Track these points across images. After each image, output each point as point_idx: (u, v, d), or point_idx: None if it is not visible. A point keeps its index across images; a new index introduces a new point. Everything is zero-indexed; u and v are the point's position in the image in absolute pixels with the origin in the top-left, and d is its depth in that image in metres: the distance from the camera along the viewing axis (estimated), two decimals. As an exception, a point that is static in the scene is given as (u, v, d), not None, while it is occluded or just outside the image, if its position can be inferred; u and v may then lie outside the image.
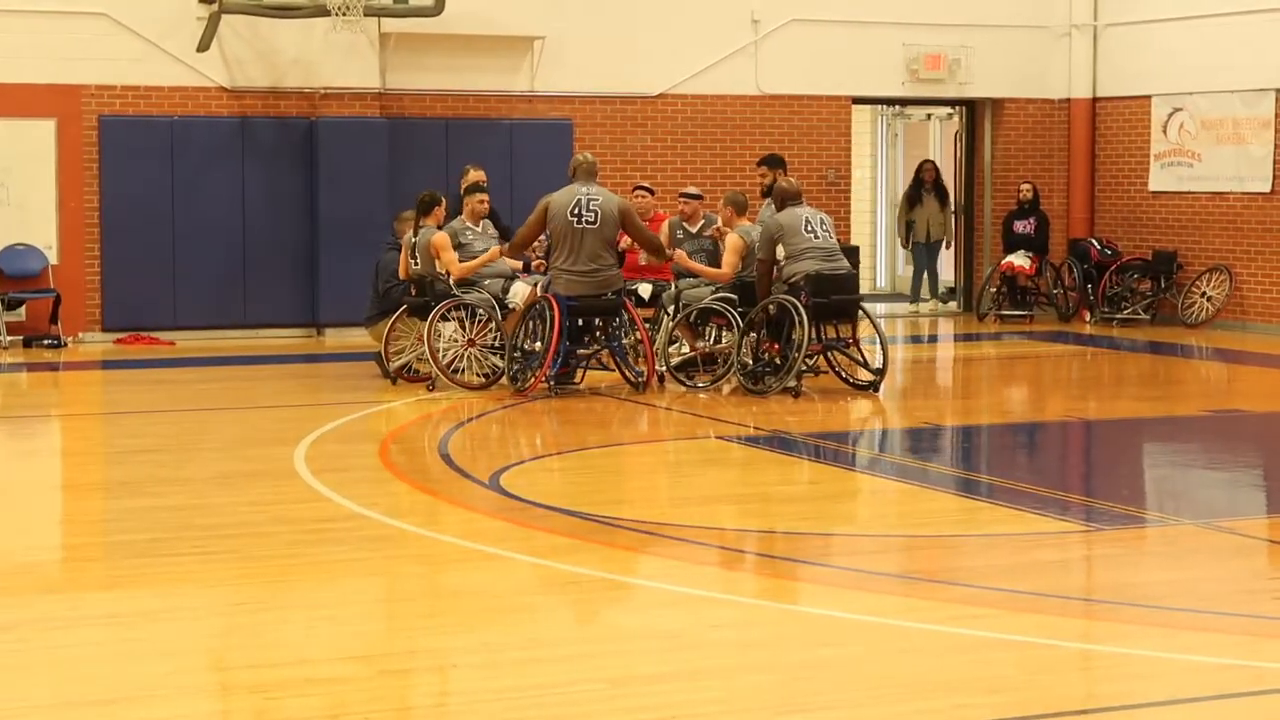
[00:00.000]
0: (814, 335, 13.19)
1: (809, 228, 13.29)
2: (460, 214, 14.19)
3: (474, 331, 13.54)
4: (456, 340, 13.57)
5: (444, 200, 14.14)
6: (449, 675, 6.23)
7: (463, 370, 13.57)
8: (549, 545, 8.30)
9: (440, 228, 13.86)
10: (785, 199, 13.54)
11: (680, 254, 14.11)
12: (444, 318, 13.52)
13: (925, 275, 21.84)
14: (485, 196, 14.28)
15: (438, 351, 13.45)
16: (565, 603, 7.38)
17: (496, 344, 13.57)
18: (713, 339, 14.17)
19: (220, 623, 6.93)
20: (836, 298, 13.30)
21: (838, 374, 13.71)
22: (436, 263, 13.69)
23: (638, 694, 5.89)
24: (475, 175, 15.08)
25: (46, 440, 12.54)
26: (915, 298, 21.81)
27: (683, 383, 13.79)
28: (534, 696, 5.86)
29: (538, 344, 13.30)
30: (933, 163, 21.94)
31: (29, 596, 7.36)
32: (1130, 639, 6.65)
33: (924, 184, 21.55)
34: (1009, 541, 8.51)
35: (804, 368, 13.23)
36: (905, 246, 22.07)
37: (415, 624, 6.94)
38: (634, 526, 8.76)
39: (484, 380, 13.55)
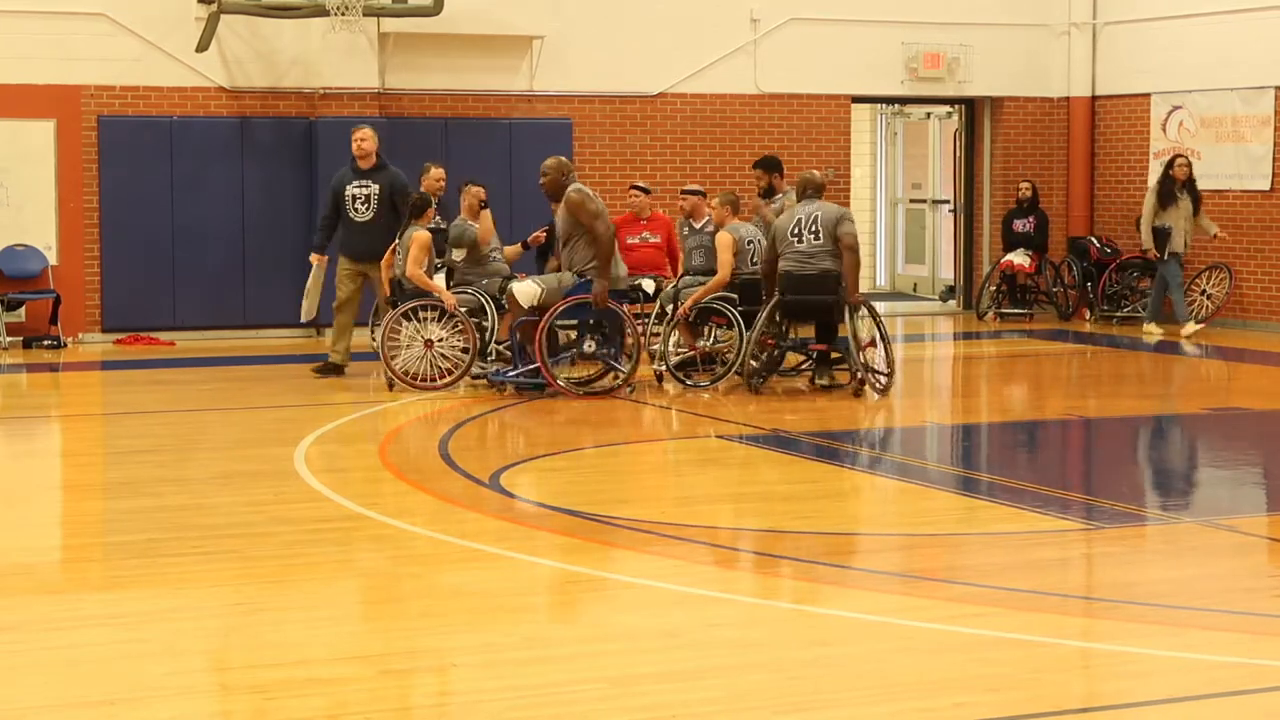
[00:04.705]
0: (782, 333, 13.59)
1: (796, 230, 13.31)
2: (450, 214, 14.30)
3: (434, 331, 13.47)
4: (417, 340, 13.53)
5: (435, 201, 14.19)
6: (449, 675, 6.22)
7: (424, 371, 13.53)
8: (549, 545, 8.30)
9: (434, 229, 13.94)
10: (805, 189, 13.59)
11: (684, 308, 13.93)
12: (409, 317, 13.50)
13: (1163, 291, 18.49)
14: (481, 191, 14.41)
15: (392, 352, 13.44)
16: (565, 603, 7.38)
17: (465, 345, 13.48)
18: (712, 339, 14.18)
19: (220, 623, 6.93)
20: (795, 297, 13.34)
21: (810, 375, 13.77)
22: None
23: (638, 694, 5.89)
24: (436, 173, 15.12)
25: (46, 441, 12.53)
26: (1156, 315, 18.44)
27: (683, 382, 13.79)
28: (534, 696, 5.86)
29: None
30: (1185, 157, 18.63)
31: (29, 597, 7.36)
32: (1131, 637, 6.65)
33: (1176, 181, 18.27)
34: (1009, 540, 8.51)
35: (754, 364, 13.47)
36: (1160, 257, 18.23)
37: (415, 624, 6.94)
38: (634, 526, 8.76)
39: (441, 381, 13.46)
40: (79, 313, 17.47)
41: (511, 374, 13.35)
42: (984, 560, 8.11)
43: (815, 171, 14.16)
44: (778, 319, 13.48)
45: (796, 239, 13.29)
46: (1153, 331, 18.19)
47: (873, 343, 13.69)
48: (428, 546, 8.35)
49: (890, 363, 13.56)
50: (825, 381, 13.61)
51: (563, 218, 13.30)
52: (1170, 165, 18.43)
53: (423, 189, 14.68)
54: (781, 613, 7.13)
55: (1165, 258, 18.21)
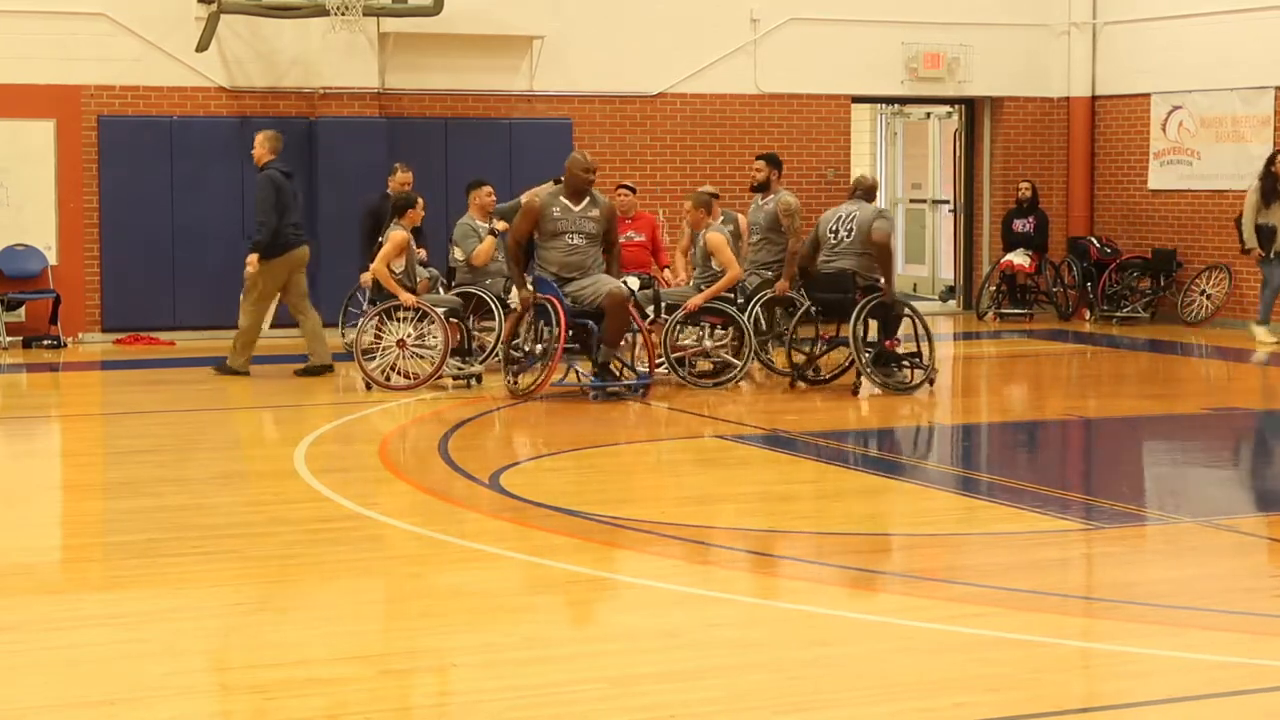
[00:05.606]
0: (816, 331, 13.81)
1: (834, 227, 13.52)
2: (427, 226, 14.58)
3: (406, 332, 13.47)
4: (389, 340, 13.52)
5: (420, 200, 14.22)
6: (449, 675, 6.22)
7: (396, 371, 13.54)
8: (549, 545, 8.30)
9: (413, 228, 14.06)
10: (855, 190, 13.83)
11: (694, 302, 13.94)
12: (389, 317, 13.51)
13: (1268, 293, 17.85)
14: (490, 189, 14.54)
15: (367, 351, 13.49)
16: (565, 603, 7.38)
17: (436, 345, 13.46)
18: (703, 338, 14.17)
19: (220, 623, 6.92)
20: (817, 294, 13.58)
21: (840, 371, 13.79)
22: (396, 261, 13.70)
23: (638, 694, 5.89)
24: (403, 176, 15.18)
25: (46, 441, 12.53)
26: (1265, 318, 17.70)
27: (687, 381, 13.79)
28: (534, 696, 5.86)
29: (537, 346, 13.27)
30: None
31: (29, 597, 7.36)
32: (1130, 637, 6.65)
33: (1278, 178, 17.51)
34: (1009, 540, 8.51)
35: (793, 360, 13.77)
36: (1265, 256, 17.50)
37: (415, 624, 6.94)
38: (634, 526, 8.76)
39: (412, 381, 13.47)
40: (79, 313, 17.48)
41: (616, 384, 13.26)
42: (984, 560, 8.11)
43: (866, 174, 14.29)
44: (812, 314, 13.68)
45: (833, 235, 13.47)
46: (1264, 340, 17.32)
47: (898, 341, 13.66)
48: (428, 546, 8.34)
49: (931, 363, 13.58)
50: (884, 380, 13.45)
51: (597, 220, 13.18)
52: (1271, 162, 17.56)
53: (389, 190, 14.75)
54: (781, 613, 7.13)
55: (1271, 257, 17.49)
